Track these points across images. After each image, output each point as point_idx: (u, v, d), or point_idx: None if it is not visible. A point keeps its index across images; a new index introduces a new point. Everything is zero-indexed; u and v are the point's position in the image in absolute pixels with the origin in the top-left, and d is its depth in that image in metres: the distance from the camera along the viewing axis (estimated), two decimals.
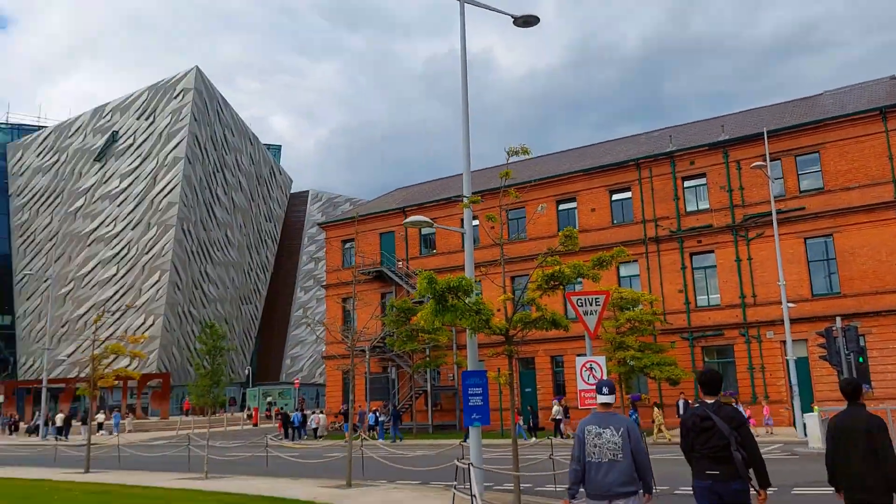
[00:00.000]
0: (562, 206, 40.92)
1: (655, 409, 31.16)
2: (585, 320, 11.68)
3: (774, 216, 29.67)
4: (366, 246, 48.01)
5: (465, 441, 29.33)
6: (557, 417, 33.67)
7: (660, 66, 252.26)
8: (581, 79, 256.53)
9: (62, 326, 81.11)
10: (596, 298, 11.73)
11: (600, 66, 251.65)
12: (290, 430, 40.05)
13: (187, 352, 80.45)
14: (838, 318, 22.39)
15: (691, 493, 6.45)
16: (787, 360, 28.92)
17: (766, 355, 33.42)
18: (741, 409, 29.56)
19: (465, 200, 13.72)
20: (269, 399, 67.70)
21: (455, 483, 12.48)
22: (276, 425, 45.33)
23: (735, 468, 6.01)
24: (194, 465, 22.59)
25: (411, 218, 14.28)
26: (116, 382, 64.81)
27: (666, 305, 35.95)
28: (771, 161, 33.21)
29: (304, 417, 39.67)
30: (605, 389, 6.64)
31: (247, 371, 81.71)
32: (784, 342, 29.67)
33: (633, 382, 34.98)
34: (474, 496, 10.60)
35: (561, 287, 12.74)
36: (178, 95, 78.38)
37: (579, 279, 13.22)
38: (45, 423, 47.41)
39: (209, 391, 20.92)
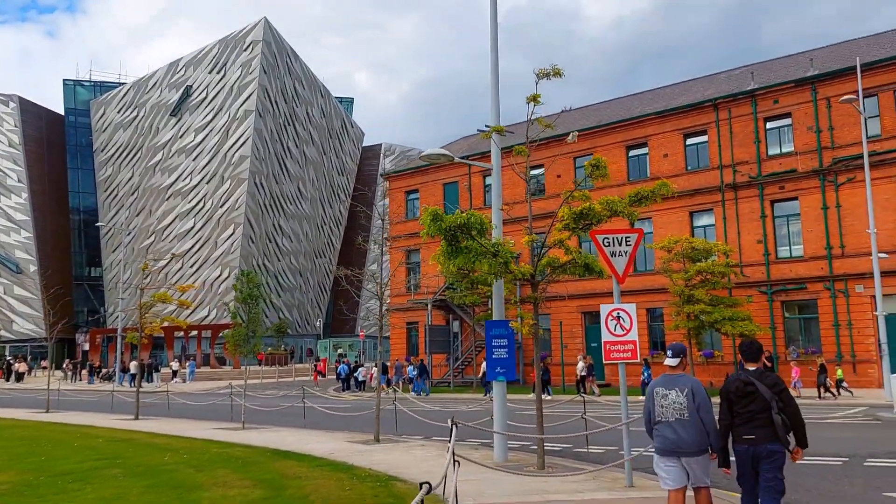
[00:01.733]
0: (632, 153, 38.46)
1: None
2: (613, 262, 10.08)
3: (867, 158, 26.62)
4: (429, 197, 46.81)
5: (486, 395, 28.46)
6: (582, 374, 32.16)
7: (758, 8, 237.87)
8: (672, 24, 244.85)
9: (145, 278, 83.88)
10: (626, 237, 10.09)
11: (694, 10, 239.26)
12: (344, 383, 39.94)
13: (262, 303, 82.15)
14: None
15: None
16: (876, 316, 26.19)
17: (853, 311, 30.60)
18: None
19: (489, 130, 12.17)
20: (339, 351, 68.32)
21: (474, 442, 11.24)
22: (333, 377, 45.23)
23: (774, 430, 6.29)
24: (237, 415, 22.23)
25: (428, 151, 12.86)
26: (192, 332, 66.84)
27: (743, 257, 33.38)
28: (865, 98, 29.88)
29: (352, 369, 39.22)
30: (670, 353, 6.96)
31: (318, 323, 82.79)
32: (874, 297, 26.87)
33: (705, 338, 32.83)
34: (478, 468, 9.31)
35: (592, 227, 11.12)
36: (247, 48, 78.49)
37: (626, 217, 11.54)
38: (122, 371, 48.95)
39: (245, 341, 20.34)
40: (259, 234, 79.85)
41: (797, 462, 6.58)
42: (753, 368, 6.61)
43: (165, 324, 27.39)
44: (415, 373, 37.17)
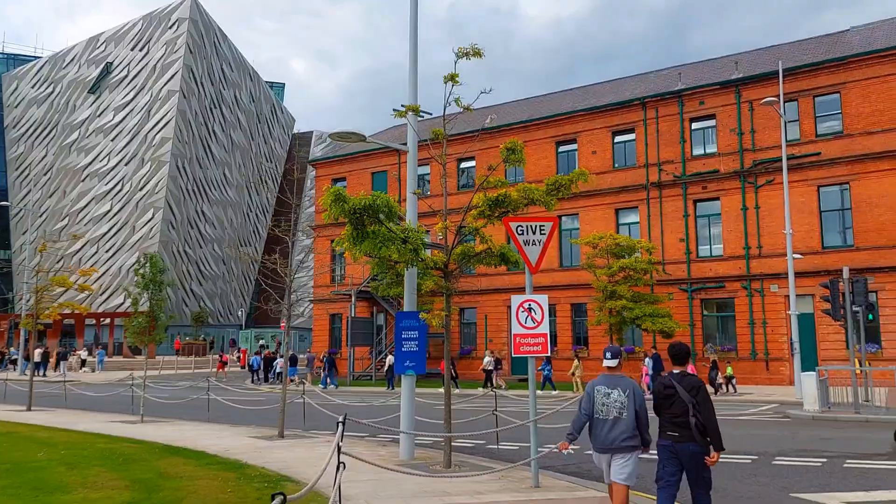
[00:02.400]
0: (562, 149, 38.40)
1: (575, 359, 29.71)
2: (526, 251, 9.55)
3: (785, 161, 27.13)
4: (358, 186, 45.76)
5: (390, 389, 28.03)
6: (488, 368, 32.02)
7: (688, 17, 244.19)
8: (608, 28, 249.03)
9: (57, 262, 79.93)
10: (541, 226, 9.57)
11: (629, 15, 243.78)
12: (256, 375, 38.75)
13: (182, 291, 79.32)
14: (846, 269, 20.12)
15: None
16: (789, 315, 26.74)
17: (768, 310, 31.28)
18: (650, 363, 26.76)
19: (404, 108, 11.47)
20: (261, 342, 66.51)
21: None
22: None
23: (691, 432, 6.51)
24: (140, 407, 20.91)
25: (338, 130, 12.07)
26: (105, 320, 63.86)
27: (666, 255, 33.74)
28: (787, 102, 30.53)
29: (267, 361, 38.00)
30: (608, 354, 7.15)
31: (240, 313, 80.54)
32: (788, 296, 27.46)
33: (626, 334, 33.04)
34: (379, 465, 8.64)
35: (509, 215, 10.57)
36: (172, 25, 75.42)
37: (541, 206, 11.02)
38: (25, 359, 46.21)
39: (145, 330, 19.10)
40: (180, 219, 76.98)
41: (714, 464, 6.69)
42: (678, 371, 6.84)
43: (66, 310, 25.65)
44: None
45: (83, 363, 50.81)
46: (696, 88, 34.12)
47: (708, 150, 33.90)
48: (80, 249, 78.52)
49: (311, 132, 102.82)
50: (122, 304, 75.38)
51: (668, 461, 6.65)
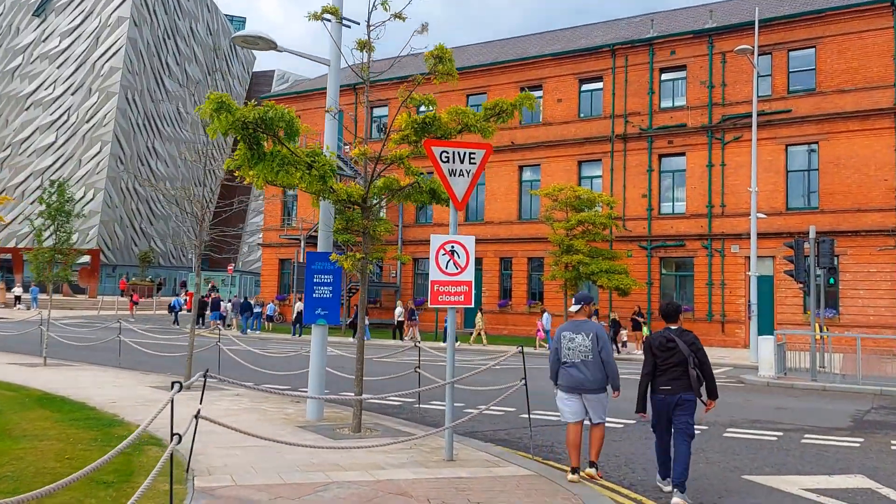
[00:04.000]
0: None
1: (479, 313, 29.62)
2: (451, 182, 7.95)
3: (755, 117, 25.77)
4: (312, 126, 43.31)
5: (295, 336, 27.27)
6: (399, 319, 31.11)
7: None
8: None
9: (2, 193, 76.29)
10: (470, 153, 7.98)
11: None
12: (176, 317, 37.80)
13: (131, 230, 76.40)
14: (812, 228, 18.96)
15: None
16: (748, 277, 25.76)
17: (728, 271, 30.34)
18: (548, 318, 28.57)
19: (323, 9, 9.65)
20: (210, 284, 64.44)
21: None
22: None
23: (688, 382, 7.04)
24: (51, 348, 19.08)
25: (242, 32, 10.21)
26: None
27: (627, 210, 32.50)
28: (761, 55, 29.15)
29: (202, 304, 36.55)
30: (574, 300, 7.72)
31: (191, 256, 77.93)
32: (748, 258, 26.46)
33: (581, 290, 31.91)
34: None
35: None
36: None
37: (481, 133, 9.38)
38: None
39: (49, 265, 17.21)
40: (130, 154, 73.59)
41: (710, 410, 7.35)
42: (675, 327, 7.30)
43: None
44: (274, 310, 34.93)
45: (17, 300, 48.39)
46: (668, 37, 32.49)
47: (677, 103, 32.48)
48: (23, 182, 74.88)
49: (273, 71, 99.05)
50: (68, 240, 72.27)
51: (662, 412, 7.18)
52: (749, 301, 25.56)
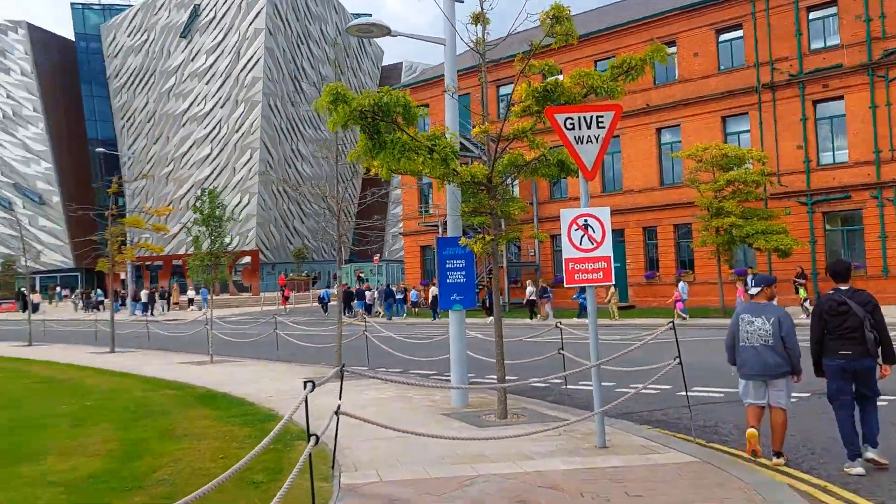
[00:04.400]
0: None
1: (612, 287, 27.11)
2: (578, 151, 7.43)
3: None
4: (440, 112, 43.49)
5: (434, 320, 26.98)
6: (531, 298, 29.94)
7: None
8: None
9: (168, 206, 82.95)
10: (598, 117, 7.41)
11: None
12: (325, 308, 39.26)
13: (285, 229, 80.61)
14: None
15: None
16: None
17: None
18: (684, 287, 27.01)
19: None
20: (360, 274, 66.82)
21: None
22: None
23: (867, 347, 6.58)
24: (218, 346, 20.32)
25: (356, 21, 10.14)
26: (208, 261, 65.67)
27: (781, 165, 30.08)
28: None
29: (347, 295, 37.63)
30: (752, 282, 7.57)
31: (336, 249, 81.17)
32: None
33: (736, 255, 29.98)
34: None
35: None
36: None
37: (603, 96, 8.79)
38: (134, 300, 47.97)
39: (206, 269, 18.24)
40: (277, 158, 77.56)
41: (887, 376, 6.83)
42: (846, 288, 6.82)
43: (142, 251, 25.45)
44: (418, 296, 35.53)
45: (190, 302, 52.35)
46: None
47: (829, 43, 29.59)
48: (186, 192, 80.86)
49: (401, 63, 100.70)
50: (231, 244, 77.34)
51: (842, 380, 6.70)
52: None
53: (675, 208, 32.79)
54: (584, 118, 7.41)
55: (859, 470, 6.53)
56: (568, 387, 12.01)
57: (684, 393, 8.70)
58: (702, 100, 32.50)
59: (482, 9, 9.20)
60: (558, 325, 12.28)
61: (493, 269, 9.39)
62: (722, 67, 32.46)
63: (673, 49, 33.88)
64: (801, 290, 25.47)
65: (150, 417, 10.01)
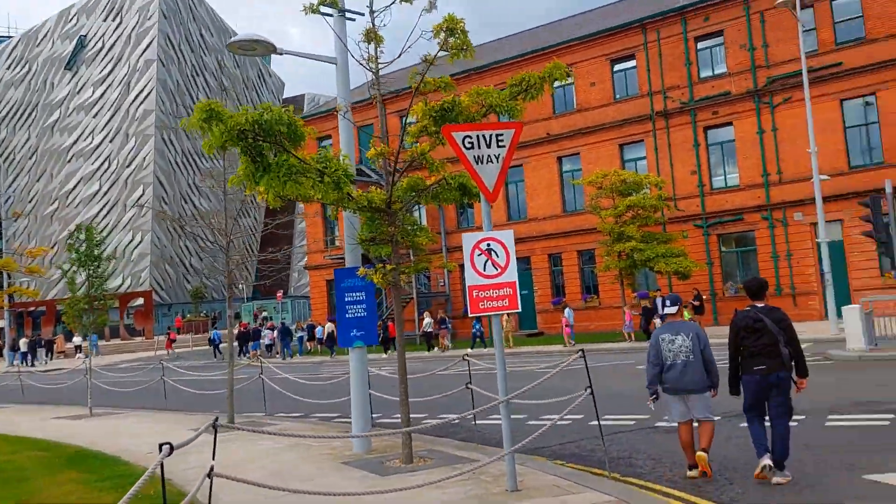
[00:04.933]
0: (557, 83, 35.13)
1: (505, 315, 27.23)
2: (478, 172, 6.87)
3: (805, 72, 24.01)
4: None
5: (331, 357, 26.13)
6: (427, 330, 29.88)
7: None
8: None
9: (52, 247, 77.96)
10: (497, 135, 6.89)
11: None
12: (217, 350, 37.48)
13: (182, 268, 77.26)
14: (888, 182, 17.24)
15: None
16: (818, 244, 23.97)
17: (792, 241, 28.51)
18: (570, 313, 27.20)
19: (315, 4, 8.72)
20: (263, 314, 64.47)
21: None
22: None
23: (781, 361, 6.80)
24: (99, 397, 18.55)
25: (237, 37, 9.36)
26: (101, 304, 61.92)
27: (677, 190, 30.88)
28: (802, 10, 27.29)
29: (243, 336, 36.03)
30: (668, 302, 7.66)
31: (241, 286, 78.40)
32: (815, 224, 24.66)
33: (639, 279, 30.49)
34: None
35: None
36: None
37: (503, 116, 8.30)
38: (12, 349, 44.24)
39: (83, 314, 16.69)
40: (173, 194, 74.47)
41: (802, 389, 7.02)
42: (761, 305, 7.03)
43: (17, 296, 23.34)
44: (322, 332, 34.39)
45: (77, 349, 48.90)
46: (699, 4, 30.84)
47: (717, 71, 30.81)
48: (73, 233, 76.38)
49: (304, 95, 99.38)
50: (122, 285, 73.34)
51: (757, 392, 6.90)
52: (822, 270, 23.79)
53: (579, 234, 33.10)
54: (484, 136, 6.87)
55: (768, 462, 6.76)
56: (478, 422, 11.36)
57: (596, 423, 8.21)
58: (600, 128, 33.13)
59: (373, 24, 8.59)
60: (465, 357, 11.62)
61: (395, 301, 8.67)
62: (618, 96, 33.24)
63: (569, 79, 34.50)
64: (686, 313, 25.92)
65: (7, 486, 8.69)
